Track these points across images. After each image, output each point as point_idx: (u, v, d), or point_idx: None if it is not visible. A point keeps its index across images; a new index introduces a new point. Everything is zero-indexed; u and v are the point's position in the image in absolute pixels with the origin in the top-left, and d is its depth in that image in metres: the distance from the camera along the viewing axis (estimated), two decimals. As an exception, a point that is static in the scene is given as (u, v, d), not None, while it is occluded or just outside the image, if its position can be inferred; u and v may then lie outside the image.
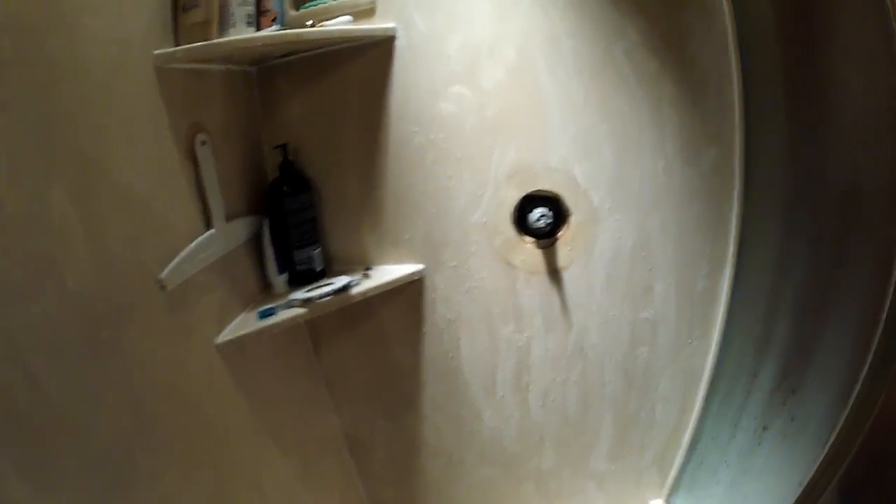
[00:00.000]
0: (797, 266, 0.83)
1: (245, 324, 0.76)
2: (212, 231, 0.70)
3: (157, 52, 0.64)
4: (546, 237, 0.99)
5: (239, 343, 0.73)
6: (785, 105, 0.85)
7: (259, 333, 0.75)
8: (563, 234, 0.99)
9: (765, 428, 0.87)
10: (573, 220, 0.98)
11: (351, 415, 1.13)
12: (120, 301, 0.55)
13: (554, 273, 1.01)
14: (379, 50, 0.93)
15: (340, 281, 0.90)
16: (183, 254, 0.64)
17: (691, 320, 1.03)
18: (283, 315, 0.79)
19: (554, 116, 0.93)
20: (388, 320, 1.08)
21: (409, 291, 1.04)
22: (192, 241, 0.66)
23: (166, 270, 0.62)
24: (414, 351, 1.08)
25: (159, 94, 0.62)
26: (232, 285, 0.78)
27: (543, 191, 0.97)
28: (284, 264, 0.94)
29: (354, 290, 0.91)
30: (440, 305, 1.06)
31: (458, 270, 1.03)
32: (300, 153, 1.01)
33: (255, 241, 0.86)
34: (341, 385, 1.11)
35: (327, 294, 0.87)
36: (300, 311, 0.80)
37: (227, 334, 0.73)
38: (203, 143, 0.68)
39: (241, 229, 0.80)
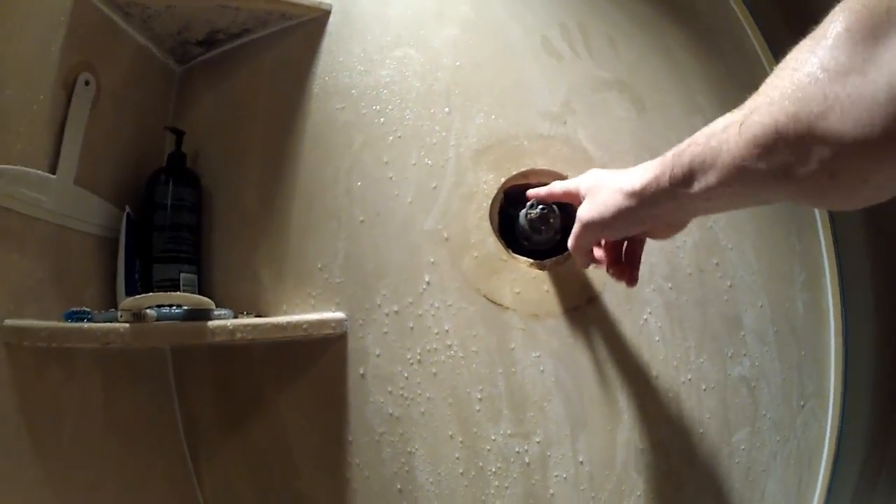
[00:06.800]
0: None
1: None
2: (51, 175, 0.52)
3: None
4: (552, 251, 0.59)
5: (38, 343, 0.45)
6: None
7: (65, 336, 0.45)
8: (579, 242, 0.60)
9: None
10: (590, 215, 0.60)
11: None
12: None
13: (575, 312, 0.58)
14: (307, 28, 0.63)
15: (198, 300, 0.49)
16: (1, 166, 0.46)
17: (800, 366, 0.62)
18: (101, 325, 0.47)
19: (532, 69, 0.62)
20: (289, 419, 0.58)
21: (322, 363, 0.57)
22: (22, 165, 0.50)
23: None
24: (334, 476, 0.56)
25: (67, 19, 0.54)
26: (57, 275, 0.52)
27: (537, 172, 0.60)
28: (140, 283, 0.56)
29: (215, 323, 0.49)
30: (375, 388, 0.57)
31: (404, 320, 0.57)
32: (200, 158, 0.63)
33: (113, 246, 0.58)
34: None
35: (169, 315, 0.47)
36: (122, 326, 0.47)
37: (23, 322, 0.46)
38: (87, 83, 0.55)
39: (91, 207, 0.57)
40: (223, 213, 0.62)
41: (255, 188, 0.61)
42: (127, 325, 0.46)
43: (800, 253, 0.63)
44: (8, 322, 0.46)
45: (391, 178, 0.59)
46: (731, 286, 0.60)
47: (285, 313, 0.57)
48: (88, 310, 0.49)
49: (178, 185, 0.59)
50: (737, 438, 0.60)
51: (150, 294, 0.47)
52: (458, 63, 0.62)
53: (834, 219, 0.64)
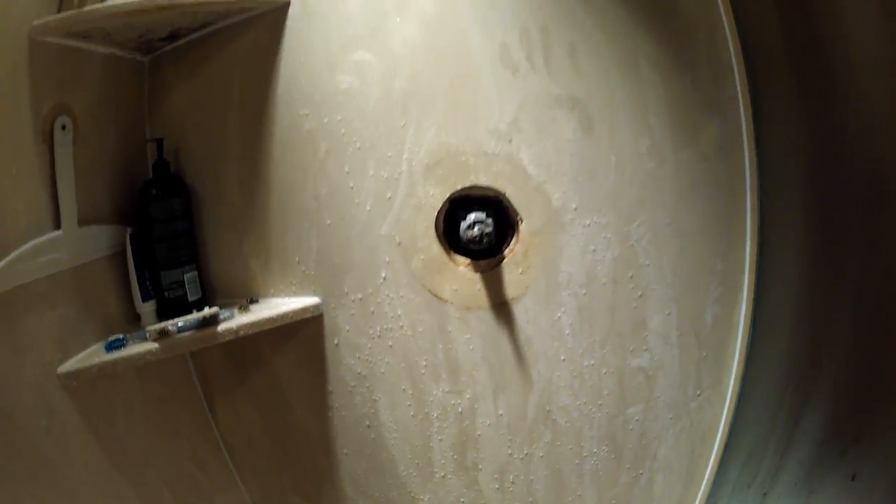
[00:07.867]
0: (843, 272, 0.59)
1: (95, 355, 0.61)
2: (58, 232, 0.57)
3: (35, 22, 0.55)
4: (486, 255, 0.69)
5: (88, 377, 0.58)
6: (791, 65, 0.59)
7: (111, 367, 0.59)
8: (512, 250, 0.69)
9: (811, 492, 0.62)
10: (524, 228, 0.68)
11: (259, 488, 0.83)
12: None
13: (501, 307, 0.70)
14: (268, 20, 0.67)
15: (208, 312, 0.64)
16: (18, 252, 0.52)
17: (699, 364, 0.73)
18: (134, 349, 0.61)
19: (487, 82, 0.65)
20: (283, 372, 0.77)
21: (305, 334, 0.74)
22: (32, 239, 0.55)
23: (-6, 268, 0.49)
24: (319, 414, 0.77)
25: (27, 67, 0.53)
26: (85, 307, 0.62)
27: (479, 187, 0.67)
28: (151, 288, 0.69)
29: (223, 326, 0.65)
30: (346, 354, 0.74)
31: (366, 305, 0.72)
32: (181, 154, 0.73)
33: (122, 259, 0.68)
34: (243, 451, 0.82)
35: (187, 327, 0.63)
36: (152, 345, 0.61)
37: (73, 364, 0.58)
38: (63, 127, 0.57)
39: (99, 238, 0.64)
40: (211, 208, 0.73)
41: (237, 185, 0.72)
42: (156, 344, 0.61)
43: (720, 272, 0.68)
44: (60, 370, 0.55)
45: (352, 187, 0.69)
46: (641, 296, 0.69)
47: (272, 296, 0.73)
48: (122, 336, 0.62)
49: (168, 197, 0.68)
50: (631, 411, 0.74)
51: (171, 321, 0.62)
52: (414, 72, 0.65)
53: (764, 239, 0.68)
